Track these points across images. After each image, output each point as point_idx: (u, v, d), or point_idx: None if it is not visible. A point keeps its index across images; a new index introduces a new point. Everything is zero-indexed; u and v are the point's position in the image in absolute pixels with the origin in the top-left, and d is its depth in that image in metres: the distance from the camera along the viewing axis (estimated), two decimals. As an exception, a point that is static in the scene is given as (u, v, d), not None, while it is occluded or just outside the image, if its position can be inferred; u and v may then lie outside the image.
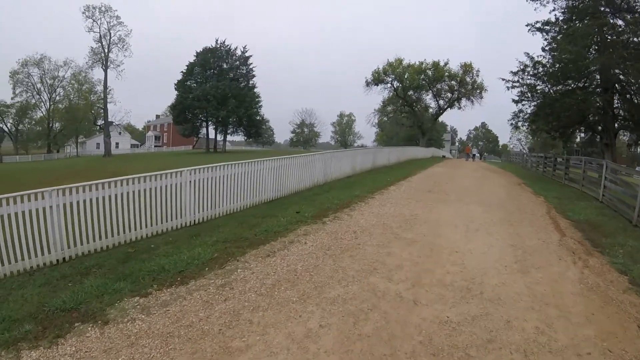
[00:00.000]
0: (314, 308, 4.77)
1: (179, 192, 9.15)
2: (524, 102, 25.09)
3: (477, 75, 49.44)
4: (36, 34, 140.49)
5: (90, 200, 7.25)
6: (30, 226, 6.51)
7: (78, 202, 7.09)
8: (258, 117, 58.59)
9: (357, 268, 6.08)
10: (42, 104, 76.52)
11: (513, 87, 25.16)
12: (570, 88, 23.36)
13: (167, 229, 8.76)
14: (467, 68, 49.03)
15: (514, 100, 25.13)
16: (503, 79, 25.29)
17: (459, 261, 6.43)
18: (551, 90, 24.05)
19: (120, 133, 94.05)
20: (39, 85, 73.95)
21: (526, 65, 24.68)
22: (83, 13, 52.85)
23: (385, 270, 6.01)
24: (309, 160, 14.75)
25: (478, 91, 49.70)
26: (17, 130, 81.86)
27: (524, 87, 24.62)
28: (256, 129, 59.33)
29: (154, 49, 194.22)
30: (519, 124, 27.26)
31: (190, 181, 9.48)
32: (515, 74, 25.13)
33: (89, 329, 4.36)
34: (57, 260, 6.85)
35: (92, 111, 69.92)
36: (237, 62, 58.48)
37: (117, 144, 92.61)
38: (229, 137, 69.35)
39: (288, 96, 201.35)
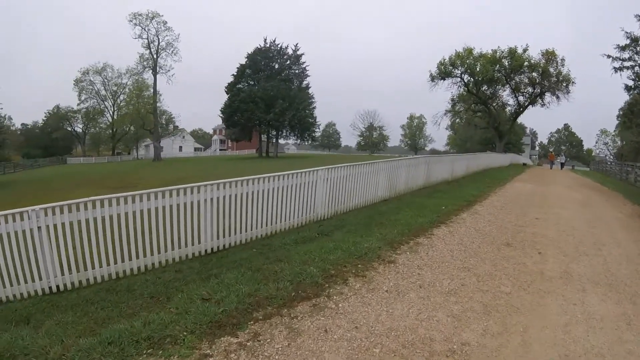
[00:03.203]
0: None
1: None
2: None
3: (562, 65, 40.68)
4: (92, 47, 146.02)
5: None
6: None
7: None
8: (310, 119, 53.47)
9: None
10: (107, 109, 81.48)
11: (622, 68, 18.01)
12: None
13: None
14: (549, 56, 40.40)
15: (627, 88, 17.90)
16: (609, 56, 18.17)
17: None
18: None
19: (183, 137, 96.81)
20: (102, 92, 78.61)
21: (636, 38, 17.53)
22: (130, 21, 54.13)
23: None
24: (293, 184, 9.36)
25: (564, 84, 40.82)
26: (85, 134, 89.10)
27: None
28: (309, 131, 54.29)
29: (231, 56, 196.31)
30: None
31: None
32: (623, 48, 17.96)
33: None
34: None
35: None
36: (288, 61, 53.74)
37: (180, 147, 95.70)
38: (292, 141, 65.76)
39: (357, 99, 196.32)
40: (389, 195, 12.87)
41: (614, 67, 18.11)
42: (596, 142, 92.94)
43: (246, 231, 8.31)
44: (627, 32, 17.59)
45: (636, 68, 17.75)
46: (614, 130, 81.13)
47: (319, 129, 56.18)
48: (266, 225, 8.69)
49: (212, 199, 7.56)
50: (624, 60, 17.92)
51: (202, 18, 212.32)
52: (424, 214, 10.29)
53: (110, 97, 78.70)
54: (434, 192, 14.31)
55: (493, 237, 8.25)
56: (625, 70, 17.88)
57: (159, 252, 7.08)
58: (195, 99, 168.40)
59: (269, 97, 48.05)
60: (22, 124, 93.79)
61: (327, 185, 10.18)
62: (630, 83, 17.82)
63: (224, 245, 7.91)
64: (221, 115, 54.46)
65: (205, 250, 7.67)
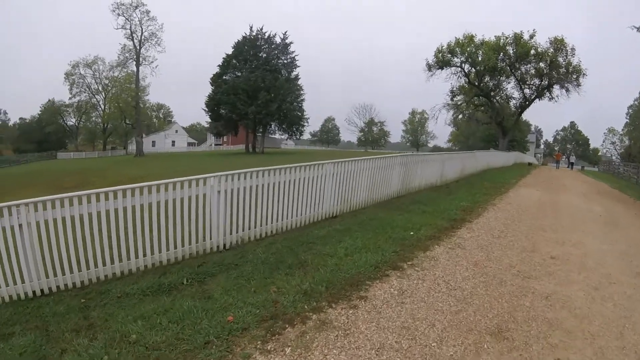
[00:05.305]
0: None
1: None
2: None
3: (573, 55, 36.26)
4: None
5: None
6: None
7: None
8: (298, 113, 49.46)
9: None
10: (98, 103, 78.29)
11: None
12: None
13: None
14: (558, 44, 36.08)
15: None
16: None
17: None
18: None
19: (176, 131, 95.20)
20: (94, 86, 75.13)
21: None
22: (113, 11, 50.60)
23: None
24: (171, 198, 6.02)
25: (574, 76, 36.44)
26: (78, 128, 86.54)
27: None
28: (297, 125, 50.39)
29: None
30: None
31: None
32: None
33: None
34: None
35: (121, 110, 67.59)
36: (275, 50, 49.71)
37: (173, 142, 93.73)
38: (278, 135, 62.16)
39: (360, 94, 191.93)
40: (340, 210, 9.20)
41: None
42: (603, 141, 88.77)
43: (81, 270, 5.65)
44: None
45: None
46: (622, 130, 77.71)
47: (307, 123, 51.84)
48: (114, 261, 5.89)
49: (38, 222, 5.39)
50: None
51: (209, 6, 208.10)
52: (377, 244, 6.66)
53: (102, 90, 75.21)
54: (410, 204, 10.59)
55: (475, 309, 4.52)
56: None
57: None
58: (197, 93, 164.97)
59: (252, 88, 43.95)
60: (20, 118, 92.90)
61: (224, 201, 6.64)
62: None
63: (50, 289, 5.53)
64: (205, 108, 50.68)
65: (26, 294, 5.41)
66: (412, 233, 7.52)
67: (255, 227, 7.30)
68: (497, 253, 6.65)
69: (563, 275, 5.76)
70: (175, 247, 6.34)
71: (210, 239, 6.71)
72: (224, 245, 6.86)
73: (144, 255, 6.07)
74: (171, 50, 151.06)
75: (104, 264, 5.79)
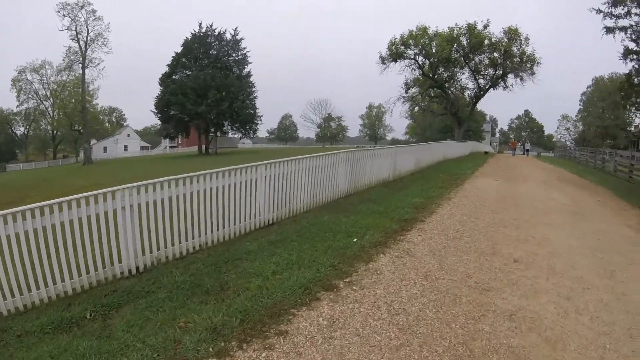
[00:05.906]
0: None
1: None
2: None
3: (527, 44, 36.60)
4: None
5: None
6: None
7: None
8: (251, 111, 47.98)
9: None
10: (47, 110, 74.43)
11: (615, 28, 13.71)
12: None
13: None
14: (512, 34, 36.31)
15: (627, 52, 13.52)
16: (599, 11, 13.80)
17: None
18: None
19: (128, 135, 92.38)
20: (42, 92, 71.15)
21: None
22: (58, 12, 47.51)
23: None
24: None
25: (528, 65, 36.82)
26: (27, 137, 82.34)
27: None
28: (250, 124, 48.88)
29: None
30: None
31: None
32: (615, 3, 13.70)
33: None
34: None
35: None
36: (226, 47, 48.06)
37: (125, 146, 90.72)
38: (231, 134, 60.17)
39: (316, 90, 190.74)
40: (278, 217, 8.13)
41: (606, 27, 13.76)
42: (557, 128, 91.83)
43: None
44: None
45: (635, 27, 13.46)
46: (576, 116, 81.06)
47: (261, 121, 50.32)
48: (15, 294, 4.99)
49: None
50: (618, 17, 13.55)
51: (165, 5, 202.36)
52: (313, 257, 5.67)
53: (50, 96, 71.25)
54: (359, 203, 9.66)
55: (421, 342, 3.52)
56: (619, 31, 13.55)
57: None
58: (152, 94, 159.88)
59: (201, 87, 42.14)
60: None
61: (130, 218, 5.61)
62: (632, 45, 13.41)
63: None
64: (154, 110, 48.49)
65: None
66: (355, 240, 6.54)
67: (173, 245, 6.17)
68: (451, 259, 5.71)
69: (529, 283, 4.88)
70: (80, 275, 5.35)
71: (120, 262, 5.62)
72: (137, 268, 5.77)
73: (46, 286, 5.13)
74: (126, 51, 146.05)
75: (5, 298, 4.91)
